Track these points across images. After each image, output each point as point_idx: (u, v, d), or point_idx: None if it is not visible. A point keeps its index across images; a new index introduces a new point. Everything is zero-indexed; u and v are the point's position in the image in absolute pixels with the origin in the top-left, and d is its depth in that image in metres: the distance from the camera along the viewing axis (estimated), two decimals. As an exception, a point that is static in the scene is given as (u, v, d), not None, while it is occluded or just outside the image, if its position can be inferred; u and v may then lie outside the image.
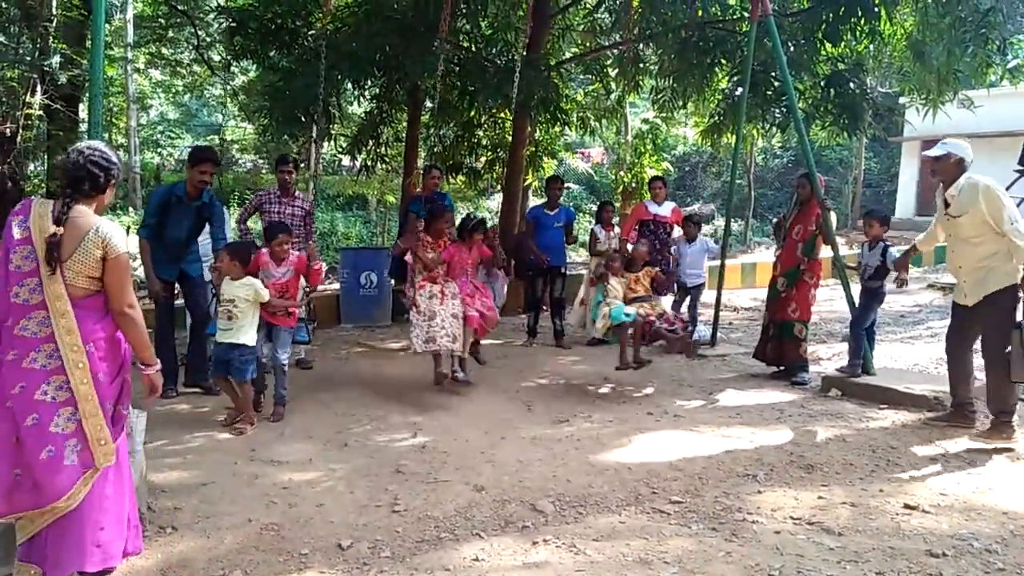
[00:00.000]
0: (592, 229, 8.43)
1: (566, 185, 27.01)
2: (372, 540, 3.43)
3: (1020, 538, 3.36)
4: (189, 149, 5.93)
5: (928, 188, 22.75)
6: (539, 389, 6.28)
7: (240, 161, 24.68)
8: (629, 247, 8.23)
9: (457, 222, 6.90)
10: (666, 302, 7.47)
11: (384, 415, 5.43)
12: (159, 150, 24.65)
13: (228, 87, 18.37)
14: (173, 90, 23.17)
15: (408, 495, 3.92)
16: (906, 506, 3.72)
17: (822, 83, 9.61)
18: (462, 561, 3.24)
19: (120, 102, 20.80)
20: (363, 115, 12.45)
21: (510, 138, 11.56)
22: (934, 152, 4.81)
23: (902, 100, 12.59)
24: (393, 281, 9.11)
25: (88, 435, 2.82)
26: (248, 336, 5.02)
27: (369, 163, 12.02)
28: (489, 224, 10.60)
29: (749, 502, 3.83)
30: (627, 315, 6.05)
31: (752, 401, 5.84)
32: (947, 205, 4.84)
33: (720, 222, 23.98)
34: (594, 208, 25.07)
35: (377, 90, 11.54)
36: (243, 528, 3.55)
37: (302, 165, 17.99)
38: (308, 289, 5.81)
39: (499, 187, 13.59)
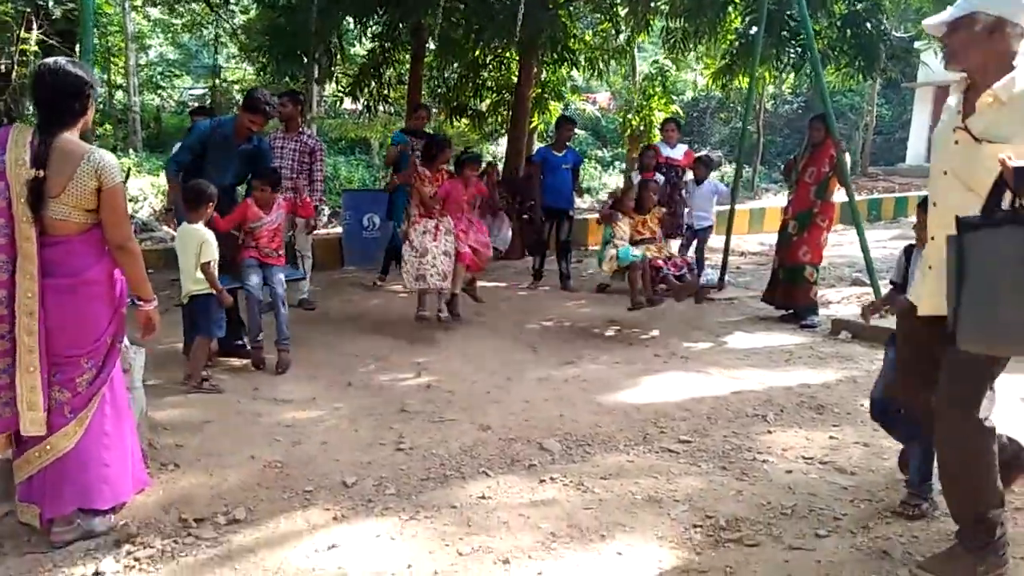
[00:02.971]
0: (629, 175, 8.13)
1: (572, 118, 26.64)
2: (377, 478, 3.38)
3: (1036, 478, 3.29)
4: (248, 91, 5.24)
5: (940, 134, 22.36)
6: (545, 332, 6.21)
7: (239, 102, 24.24)
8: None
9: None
10: (674, 246, 7.38)
11: (388, 355, 5.36)
12: (159, 91, 24.25)
13: (227, 26, 17.96)
14: (172, 29, 22.70)
15: (413, 434, 3.87)
16: (920, 447, 3.66)
17: (838, 23, 9.31)
18: (468, 499, 3.19)
19: (118, 41, 20.39)
20: (365, 55, 12.13)
21: (516, 79, 11.31)
22: (943, 17, 2.51)
23: (917, 44, 12.24)
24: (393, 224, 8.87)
25: (18, 394, 2.68)
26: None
27: (371, 105, 11.76)
28: (493, 164, 10.54)
29: (759, 442, 3.77)
30: (635, 255, 5.96)
31: (761, 344, 5.76)
32: (965, 117, 2.51)
33: (728, 169, 23.69)
34: (600, 155, 24.89)
35: (379, 28, 11.25)
36: (246, 465, 3.51)
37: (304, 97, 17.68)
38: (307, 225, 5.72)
39: (504, 131, 13.33)
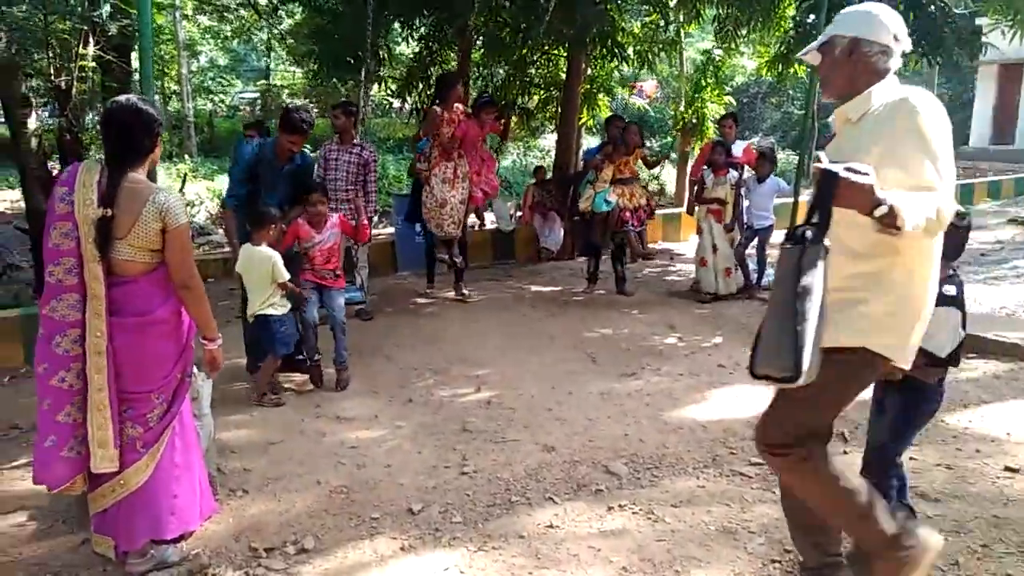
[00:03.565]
0: (702, 173, 7.97)
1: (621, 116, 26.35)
2: (443, 504, 3.35)
3: None
4: (282, 112, 5.14)
5: (1007, 115, 21.58)
6: (604, 340, 6.10)
7: (290, 106, 24.57)
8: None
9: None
10: (723, 249, 7.26)
11: (446, 368, 5.33)
12: (211, 96, 24.69)
13: (275, 31, 18.18)
14: (221, 36, 23.08)
15: (476, 455, 3.83)
16: (1007, 468, 3.49)
17: (900, 6, 8.96)
18: (536, 528, 3.14)
19: (171, 50, 20.78)
20: (412, 56, 12.12)
21: (563, 75, 11.18)
22: (813, 46, 2.44)
23: (980, 21, 11.75)
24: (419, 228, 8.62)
25: (89, 432, 2.70)
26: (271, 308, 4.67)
27: (419, 106, 11.75)
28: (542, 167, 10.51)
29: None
30: (607, 203, 7.07)
31: (828, 350, 5.57)
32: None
33: (781, 156, 23.14)
34: (648, 145, 24.52)
35: (425, 30, 11.24)
36: (312, 490, 3.51)
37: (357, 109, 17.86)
38: (355, 248, 5.74)
39: (553, 127, 13.21)
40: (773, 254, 8.21)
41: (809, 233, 2.07)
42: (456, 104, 6.78)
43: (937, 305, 2.41)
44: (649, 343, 5.98)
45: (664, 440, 3.97)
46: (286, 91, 23.84)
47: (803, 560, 2.65)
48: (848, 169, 1.96)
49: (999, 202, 14.07)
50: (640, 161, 7.95)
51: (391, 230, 10.78)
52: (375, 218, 6.71)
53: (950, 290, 2.62)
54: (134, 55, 9.70)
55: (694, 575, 2.75)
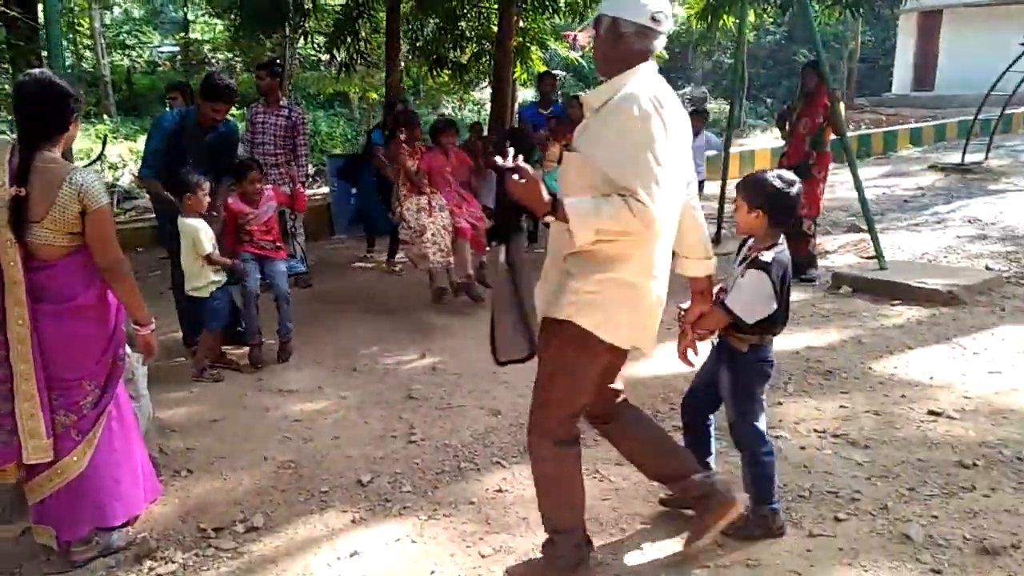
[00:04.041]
0: None
1: (554, 72, 26.16)
2: (392, 474, 3.37)
3: (1049, 444, 3.32)
4: (204, 78, 4.82)
5: (927, 62, 22.18)
6: (544, 298, 6.15)
7: (212, 61, 23.67)
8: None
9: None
10: None
11: (390, 335, 5.31)
12: (127, 51, 23.53)
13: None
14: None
15: (423, 423, 3.85)
16: (930, 412, 3.68)
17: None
18: (485, 493, 3.19)
19: (80, 1, 19.70)
20: (339, 8, 11.74)
21: (496, 29, 11.01)
22: (590, 23, 2.53)
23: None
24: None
25: (18, 423, 2.61)
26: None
27: (348, 60, 11.45)
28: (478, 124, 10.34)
29: (771, 415, 3.74)
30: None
31: (762, 302, 5.74)
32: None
33: (713, 106, 23.39)
34: (583, 96, 24.43)
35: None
36: (259, 467, 3.48)
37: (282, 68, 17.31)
38: (291, 217, 5.55)
39: (487, 81, 13.05)
40: (707, 206, 8.36)
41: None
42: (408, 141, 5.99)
43: (749, 268, 2.54)
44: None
45: (607, 399, 4.05)
46: (207, 46, 22.86)
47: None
48: (514, 170, 2.16)
49: (920, 148, 14.56)
50: None
51: (326, 190, 10.57)
52: (307, 180, 6.49)
53: (765, 256, 2.55)
54: (41, 6, 9.16)
55: (640, 532, 2.84)
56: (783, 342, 4.75)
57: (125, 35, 23.82)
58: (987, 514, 2.79)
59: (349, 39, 11.30)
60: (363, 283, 6.90)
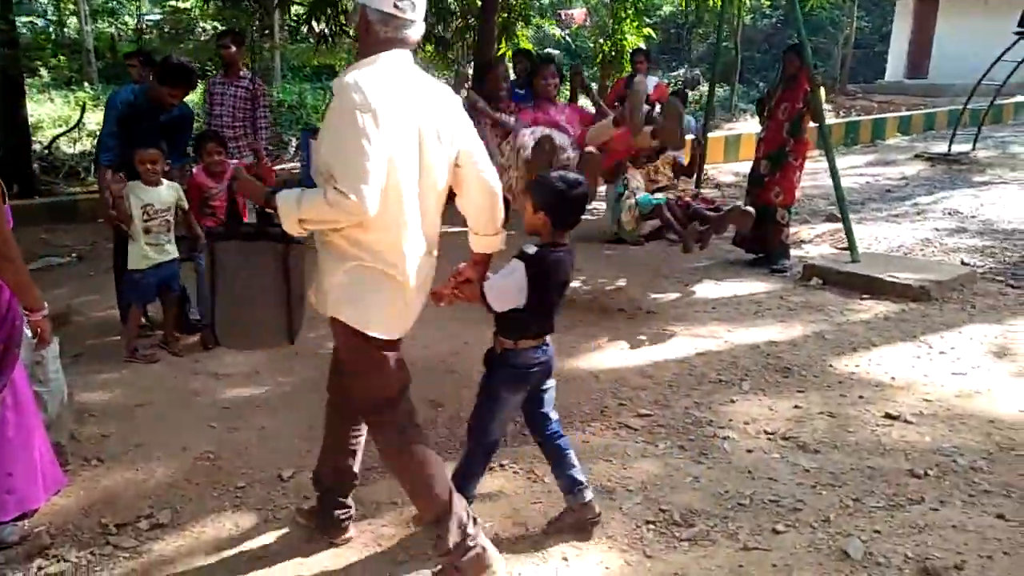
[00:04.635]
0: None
1: (546, 50, 25.85)
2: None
3: (1006, 452, 3.15)
4: (162, 61, 4.66)
5: (922, 49, 21.93)
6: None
7: (199, 30, 23.22)
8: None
9: None
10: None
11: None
12: (113, 18, 23.05)
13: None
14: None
15: (358, 414, 3.66)
16: (887, 415, 3.51)
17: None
18: (411, 492, 3.00)
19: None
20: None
21: (480, 3, 10.72)
22: None
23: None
24: None
25: None
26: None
27: (330, 32, 11.14)
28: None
29: (721, 413, 3.60)
30: (657, 199, 5.15)
31: (729, 292, 5.56)
32: None
33: (706, 88, 23.08)
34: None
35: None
36: (176, 458, 3.29)
37: (265, 34, 17.02)
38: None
39: (471, 59, 12.75)
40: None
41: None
42: None
43: (515, 257, 2.49)
44: (553, 286, 5.85)
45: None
46: (195, 12, 22.31)
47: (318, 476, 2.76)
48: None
49: (909, 137, 14.34)
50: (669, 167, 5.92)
51: (293, 166, 10.33)
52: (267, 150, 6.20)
53: (529, 248, 2.50)
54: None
55: (566, 539, 2.67)
56: (745, 335, 4.61)
57: (114, 2, 23.40)
58: (933, 529, 2.63)
59: (329, 10, 11.02)
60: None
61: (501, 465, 3.19)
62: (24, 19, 22.67)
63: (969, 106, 11.69)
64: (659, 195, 5.32)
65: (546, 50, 25.72)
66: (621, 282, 5.96)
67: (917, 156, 11.62)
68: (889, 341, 4.47)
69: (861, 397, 3.72)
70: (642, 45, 11.82)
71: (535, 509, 2.88)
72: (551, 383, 2.75)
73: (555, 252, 2.52)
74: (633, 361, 4.26)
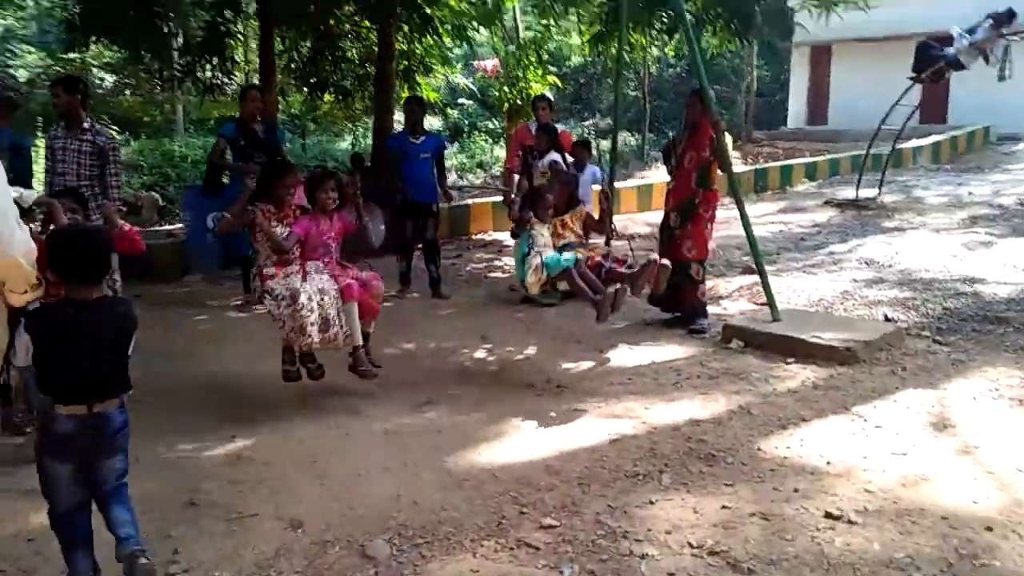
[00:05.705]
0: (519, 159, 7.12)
1: (460, 102, 25.61)
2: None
3: (968, 561, 2.68)
4: None
5: (820, 96, 22.64)
6: (404, 357, 5.34)
7: (99, 81, 22.07)
8: (515, 178, 7.32)
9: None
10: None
11: (204, 407, 4.38)
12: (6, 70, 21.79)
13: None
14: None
15: (195, 543, 2.93)
16: (828, 515, 3.00)
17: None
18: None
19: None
20: (201, 26, 10.67)
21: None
22: None
23: (791, 2, 11.93)
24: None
25: None
26: None
27: (215, 83, 10.43)
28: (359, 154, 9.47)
29: (638, 520, 3.04)
30: (566, 259, 4.77)
31: (646, 359, 5.08)
32: None
33: (620, 137, 23.16)
34: (491, 126, 23.89)
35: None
36: None
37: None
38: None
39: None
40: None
41: None
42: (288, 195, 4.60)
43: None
44: (456, 358, 5.29)
45: (444, 499, 3.25)
46: (93, 64, 21.12)
47: None
48: None
49: (816, 183, 14.49)
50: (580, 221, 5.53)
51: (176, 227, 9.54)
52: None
53: (31, 307, 2.57)
54: None
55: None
56: (665, 413, 4.10)
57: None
58: None
59: (215, 59, 10.33)
60: (197, 336, 5.93)
61: None
62: None
63: (871, 151, 11.80)
64: (568, 255, 4.87)
65: (458, 100, 25.62)
66: (531, 350, 5.43)
67: (827, 202, 11.62)
68: (820, 415, 4.03)
69: (796, 490, 3.23)
70: (547, 92, 11.54)
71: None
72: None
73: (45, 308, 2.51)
74: (539, 452, 3.69)
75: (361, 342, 4.46)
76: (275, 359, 4.77)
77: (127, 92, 20.90)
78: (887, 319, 5.69)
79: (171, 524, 3.09)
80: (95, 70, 21.03)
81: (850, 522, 2.96)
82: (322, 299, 4.28)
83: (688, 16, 8.26)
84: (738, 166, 16.43)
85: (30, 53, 22.31)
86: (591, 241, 5.53)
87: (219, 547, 2.92)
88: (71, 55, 19.41)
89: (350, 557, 2.85)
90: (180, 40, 10.66)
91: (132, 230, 4.20)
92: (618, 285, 4.82)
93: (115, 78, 21.10)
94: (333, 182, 4.64)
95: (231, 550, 2.90)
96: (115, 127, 18.72)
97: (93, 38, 8.95)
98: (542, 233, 5.13)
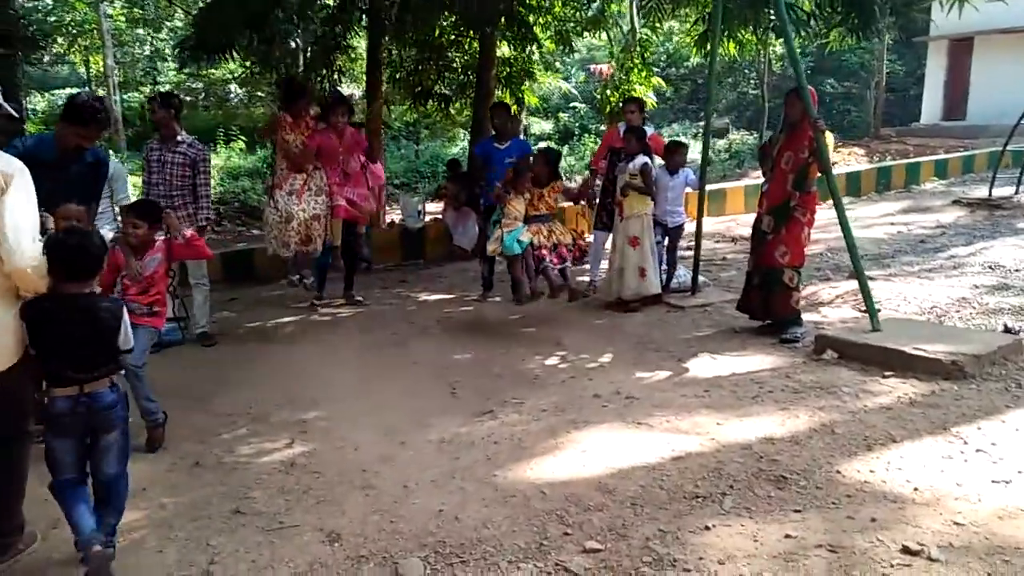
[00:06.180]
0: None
1: (572, 105, 25.55)
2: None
3: (1070, 613, 2.31)
4: (68, 100, 4.11)
5: (958, 91, 21.09)
6: (473, 364, 5.26)
7: (232, 96, 23.47)
8: (598, 181, 7.12)
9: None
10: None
11: (268, 412, 4.44)
12: (140, 88, 23.60)
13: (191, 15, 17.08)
14: (150, 23, 21.98)
15: (232, 555, 2.93)
16: (905, 550, 2.67)
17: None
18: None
19: (95, 39, 19.83)
20: (313, 40, 11.13)
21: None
22: None
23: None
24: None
25: None
26: None
27: (325, 92, 10.80)
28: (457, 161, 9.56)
29: (690, 548, 2.81)
30: (520, 244, 5.74)
31: (728, 370, 4.77)
32: None
33: (735, 136, 22.38)
34: (602, 129, 23.68)
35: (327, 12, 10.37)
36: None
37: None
38: (173, 276, 4.58)
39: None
40: (688, 254, 7.44)
41: None
42: (307, 113, 6.22)
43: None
44: (526, 367, 5.15)
45: (487, 516, 3.12)
46: (226, 78, 22.44)
47: None
48: None
49: (945, 181, 13.41)
50: (560, 195, 6.28)
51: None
52: (206, 226, 5.66)
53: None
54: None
55: None
56: (738, 430, 3.81)
57: (140, 74, 24.06)
58: None
59: (325, 71, 10.73)
60: (274, 340, 6.06)
61: None
62: (58, 91, 23.37)
63: (1009, 147, 10.79)
64: (525, 236, 5.77)
65: (570, 104, 25.54)
66: (606, 357, 5.23)
67: (955, 202, 10.72)
68: (913, 436, 3.63)
69: (873, 520, 2.90)
70: (651, 94, 11.24)
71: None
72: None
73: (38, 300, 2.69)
74: (594, 468, 3.50)
75: (339, 243, 6.19)
76: (345, 363, 4.82)
77: (255, 104, 22.19)
78: (1007, 330, 5.10)
79: (213, 533, 3.11)
80: (231, 85, 22.54)
81: (930, 559, 2.62)
82: (312, 223, 5.89)
83: (794, 13, 7.85)
84: (860, 164, 15.47)
85: (171, 70, 24.15)
86: (561, 229, 6.07)
87: (254, 559, 2.91)
88: (206, 71, 20.91)
89: (383, 574, 2.77)
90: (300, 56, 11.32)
91: (196, 238, 4.28)
92: (544, 283, 5.85)
93: (243, 90, 22.41)
94: (343, 106, 6.25)
95: (265, 562, 2.88)
96: (244, 137, 19.97)
97: (210, 55, 9.45)
98: (516, 207, 5.88)
